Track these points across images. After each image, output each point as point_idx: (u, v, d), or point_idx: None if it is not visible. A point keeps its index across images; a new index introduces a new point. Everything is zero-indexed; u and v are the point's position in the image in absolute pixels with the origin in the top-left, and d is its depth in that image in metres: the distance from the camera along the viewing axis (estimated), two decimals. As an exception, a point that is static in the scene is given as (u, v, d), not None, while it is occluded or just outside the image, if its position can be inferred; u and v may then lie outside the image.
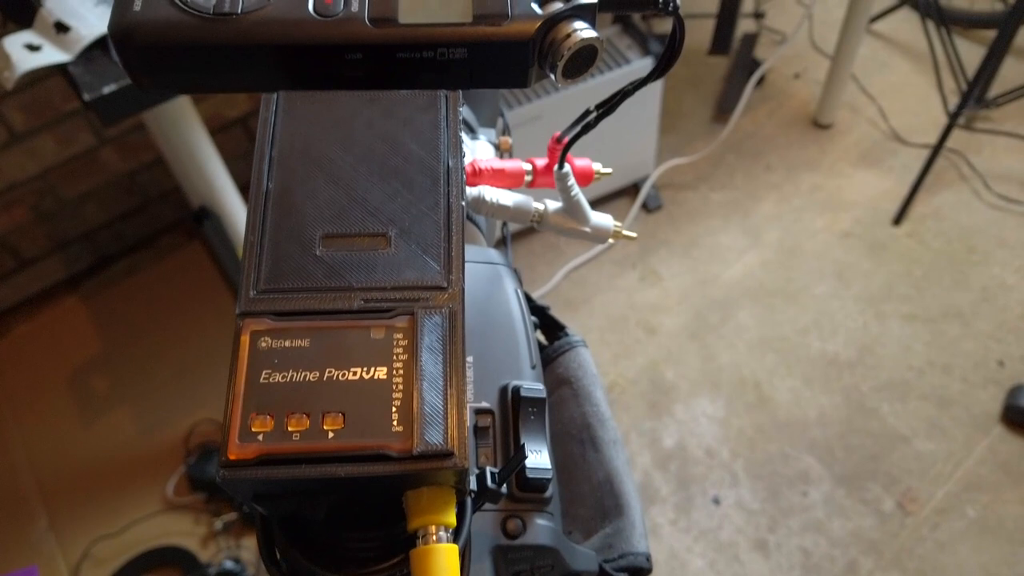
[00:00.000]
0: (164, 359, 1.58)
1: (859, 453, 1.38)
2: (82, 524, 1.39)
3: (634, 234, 0.50)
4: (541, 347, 0.50)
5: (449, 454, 0.25)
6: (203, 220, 1.48)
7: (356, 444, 0.25)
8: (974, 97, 1.57)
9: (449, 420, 0.25)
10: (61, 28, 0.89)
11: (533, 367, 0.42)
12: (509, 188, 0.46)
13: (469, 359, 0.40)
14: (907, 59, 1.98)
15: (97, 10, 0.91)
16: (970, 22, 1.92)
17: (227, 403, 0.25)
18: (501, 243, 0.60)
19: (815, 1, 1.89)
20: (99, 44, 0.89)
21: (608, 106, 0.39)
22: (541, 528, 0.37)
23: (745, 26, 1.96)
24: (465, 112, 0.54)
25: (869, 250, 1.64)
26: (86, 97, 0.85)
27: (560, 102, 1.45)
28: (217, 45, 0.31)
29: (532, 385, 0.40)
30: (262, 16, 0.31)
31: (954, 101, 1.58)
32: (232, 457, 0.24)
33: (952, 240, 1.64)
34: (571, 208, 0.46)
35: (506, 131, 0.61)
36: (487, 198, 0.44)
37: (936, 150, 1.61)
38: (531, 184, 0.47)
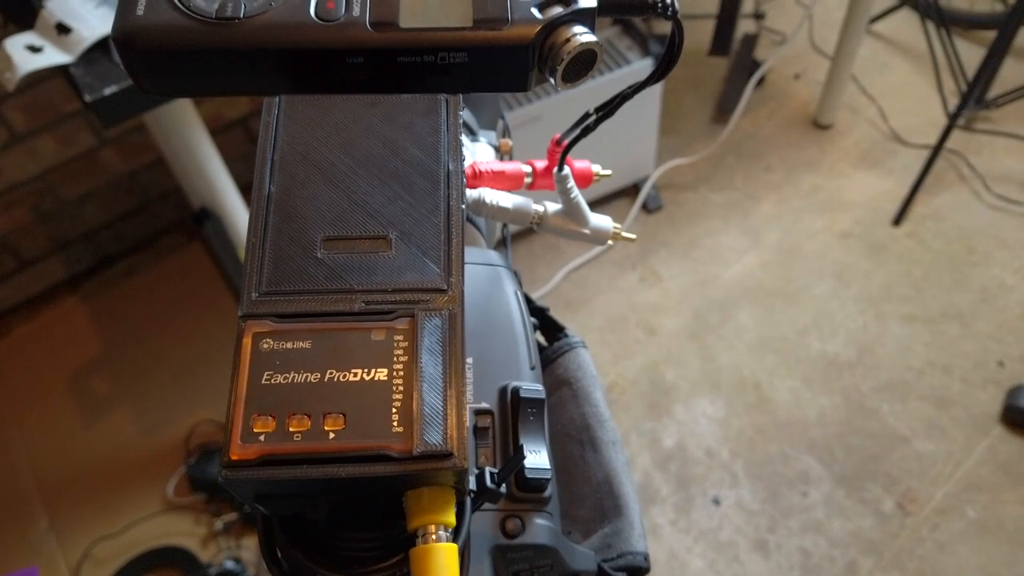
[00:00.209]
0: (164, 360, 1.58)
1: (859, 453, 1.38)
2: (82, 524, 1.39)
3: (633, 236, 0.50)
4: (541, 348, 0.50)
5: (449, 454, 0.25)
6: (203, 221, 1.48)
7: (357, 445, 0.25)
8: (974, 98, 1.57)
9: (449, 421, 0.25)
10: (62, 29, 0.90)
11: (532, 368, 0.42)
12: (509, 190, 0.46)
13: (469, 360, 0.40)
14: (907, 60, 1.98)
15: (98, 12, 0.92)
16: (970, 23, 1.92)
17: (229, 404, 0.25)
18: (501, 244, 0.60)
19: (815, 2, 1.89)
20: (100, 46, 0.89)
21: (607, 109, 0.39)
22: (540, 528, 0.37)
23: (745, 27, 1.96)
24: (465, 114, 0.55)
25: (869, 251, 1.64)
26: (87, 98, 0.85)
27: (560, 103, 1.45)
28: (220, 49, 0.32)
29: (531, 386, 0.40)
30: (264, 20, 0.31)
31: (954, 102, 1.58)
32: (234, 457, 0.25)
33: (952, 241, 1.64)
34: (571, 210, 0.47)
35: (506, 133, 0.61)
36: (487, 200, 0.45)
37: (936, 151, 1.62)
38: (531, 186, 0.47)
